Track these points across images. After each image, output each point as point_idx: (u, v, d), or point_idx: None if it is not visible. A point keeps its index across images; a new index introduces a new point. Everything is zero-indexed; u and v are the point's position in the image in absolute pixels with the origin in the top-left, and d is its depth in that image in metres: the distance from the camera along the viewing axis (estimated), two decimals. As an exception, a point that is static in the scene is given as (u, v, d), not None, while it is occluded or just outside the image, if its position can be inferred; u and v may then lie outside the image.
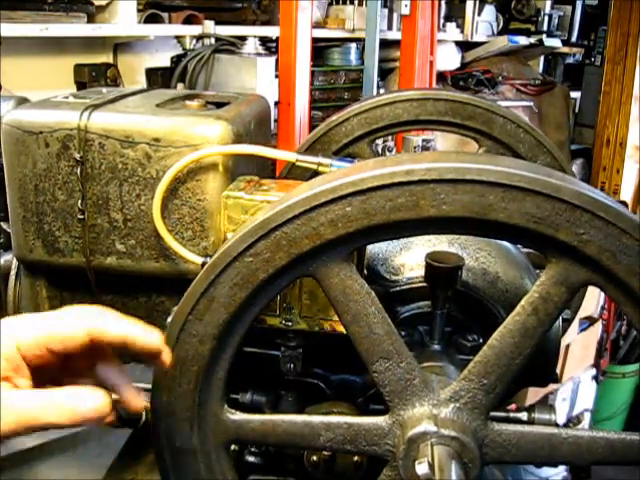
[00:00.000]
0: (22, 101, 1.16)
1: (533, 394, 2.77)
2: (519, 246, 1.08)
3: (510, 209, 0.66)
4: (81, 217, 0.99)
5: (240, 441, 0.82)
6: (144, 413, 1.12)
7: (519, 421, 0.88)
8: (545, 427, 0.77)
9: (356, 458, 0.92)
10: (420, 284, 1.00)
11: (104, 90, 1.14)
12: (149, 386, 1.12)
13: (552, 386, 3.15)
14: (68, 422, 0.63)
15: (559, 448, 0.74)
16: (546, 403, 3.00)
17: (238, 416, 0.78)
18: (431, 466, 0.68)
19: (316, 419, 0.77)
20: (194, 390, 0.75)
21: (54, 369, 0.67)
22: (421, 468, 0.68)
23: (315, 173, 1.22)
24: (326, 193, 0.68)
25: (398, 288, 1.01)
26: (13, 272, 1.10)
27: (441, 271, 0.89)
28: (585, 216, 0.65)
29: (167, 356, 0.69)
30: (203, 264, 0.92)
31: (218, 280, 0.71)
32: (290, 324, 0.92)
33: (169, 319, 0.77)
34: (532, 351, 0.72)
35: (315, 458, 0.92)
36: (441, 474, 0.67)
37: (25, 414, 0.62)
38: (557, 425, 0.86)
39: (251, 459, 0.98)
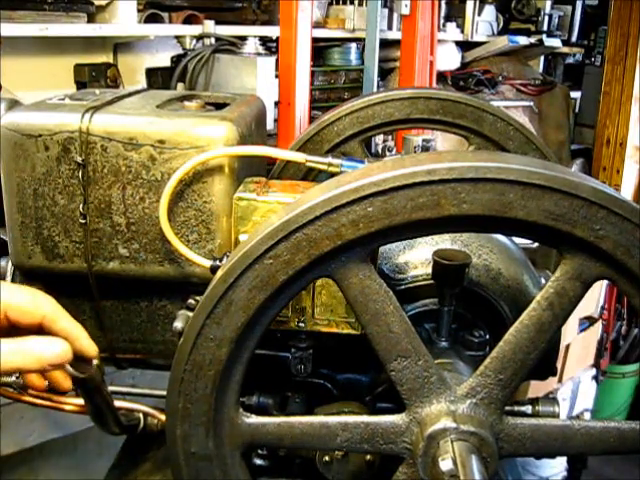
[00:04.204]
0: (13, 103, 1.14)
1: (533, 394, 2.77)
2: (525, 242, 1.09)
3: (529, 207, 0.67)
4: (82, 221, 0.98)
5: (256, 444, 0.82)
6: (142, 418, 1.12)
7: (524, 414, 0.90)
8: (558, 419, 0.79)
9: (368, 457, 0.92)
10: (425, 282, 1.00)
11: (97, 91, 1.13)
12: (150, 391, 1.12)
13: (552, 386, 3.15)
14: (35, 367, 0.72)
15: (572, 439, 0.75)
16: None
17: (253, 419, 0.77)
18: (454, 462, 0.69)
19: (333, 420, 0.77)
20: (210, 395, 0.75)
21: None
22: (445, 464, 0.69)
23: (308, 173, 1.23)
24: (348, 194, 0.68)
25: (403, 286, 1.01)
26: (8, 279, 1.09)
27: (449, 269, 0.90)
28: (601, 212, 0.66)
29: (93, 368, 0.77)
30: (212, 267, 0.92)
31: (237, 283, 0.71)
32: (303, 325, 0.92)
33: (176, 323, 0.76)
34: (547, 346, 0.73)
35: (327, 458, 0.92)
36: (463, 469, 0.68)
37: None
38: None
39: (259, 462, 0.98)
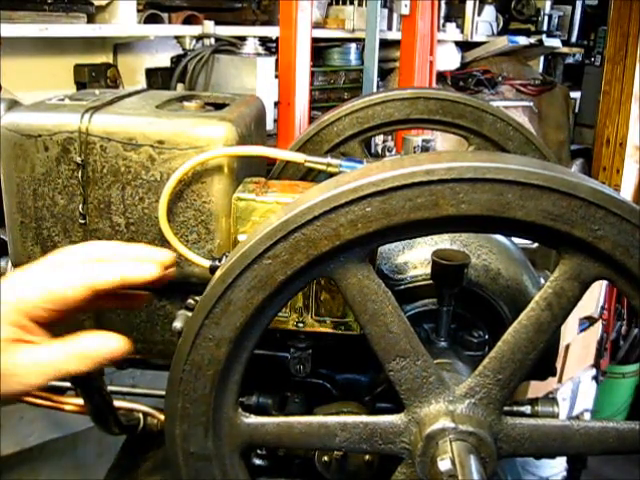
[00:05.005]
0: (13, 103, 1.14)
1: (533, 394, 2.77)
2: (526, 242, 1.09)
3: (528, 207, 0.66)
4: (82, 222, 0.98)
5: (255, 444, 0.82)
6: (141, 418, 1.12)
7: (523, 415, 0.90)
8: (557, 420, 0.78)
9: (367, 457, 0.92)
10: (424, 282, 1.00)
11: (97, 92, 1.12)
12: (150, 391, 1.12)
13: (552, 386, 3.16)
14: (89, 368, 0.70)
15: (571, 440, 0.75)
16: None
17: (252, 419, 0.77)
18: (452, 462, 0.69)
19: (332, 419, 0.77)
20: (209, 394, 0.74)
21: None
22: (444, 464, 0.69)
23: (307, 173, 1.23)
24: (347, 194, 0.67)
25: (403, 286, 1.01)
26: (8, 279, 1.09)
27: (448, 269, 0.90)
28: (600, 212, 0.66)
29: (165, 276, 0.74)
30: (211, 267, 0.92)
31: (235, 283, 0.71)
32: (302, 325, 0.92)
33: (175, 323, 0.76)
34: (546, 346, 0.73)
35: (326, 458, 0.92)
36: (462, 469, 0.68)
37: (49, 367, 0.68)
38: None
39: (258, 462, 0.98)
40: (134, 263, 0.72)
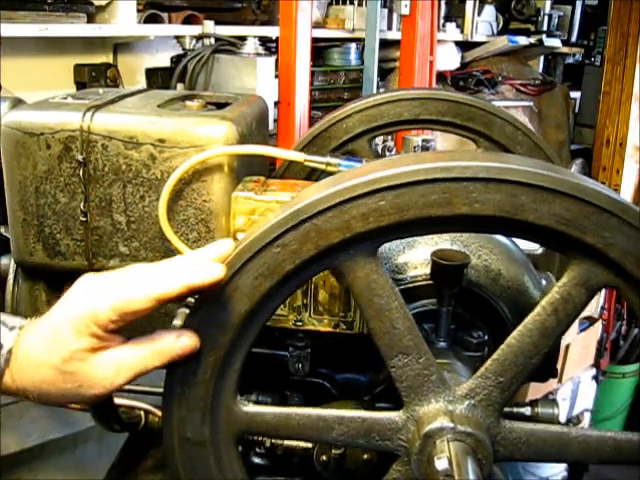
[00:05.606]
0: (17, 102, 1.15)
1: (533, 394, 2.77)
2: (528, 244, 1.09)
3: (540, 210, 0.67)
4: (83, 219, 0.99)
5: (251, 433, 0.82)
6: (143, 416, 1.12)
7: (523, 416, 0.90)
8: (555, 426, 0.78)
9: (366, 455, 0.92)
10: (424, 282, 1.00)
11: (100, 91, 1.13)
12: (151, 389, 1.12)
13: (552, 386, 3.15)
14: (165, 364, 0.72)
15: (568, 447, 0.75)
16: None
17: (251, 408, 0.77)
18: (449, 462, 0.69)
19: (330, 412, 0.77)
20: (209, 380, 0.75)
21: None
22: (441, 463, 0.69)
23: (311, 173, 1.23)
24: (361, 186, 0.67)
25: (403, 286, 1.01)
26: (11, 276, 1.09)
27: (448, 269, 0.90)
28: (612, 220, 0.66)
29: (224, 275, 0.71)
30: None
31: (243, 269, 0.71)
32: (301, 324, 0.92)
33: (175, 321, 0.76)
34: (549, 350, 0.73)
35: (325, 457, 0.92)
36: (459, 470, 0.68)
37: (131, 366, 0.71)
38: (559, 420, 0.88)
39: (257, 460, 0.98)
40: (196, 268, 0.70)
